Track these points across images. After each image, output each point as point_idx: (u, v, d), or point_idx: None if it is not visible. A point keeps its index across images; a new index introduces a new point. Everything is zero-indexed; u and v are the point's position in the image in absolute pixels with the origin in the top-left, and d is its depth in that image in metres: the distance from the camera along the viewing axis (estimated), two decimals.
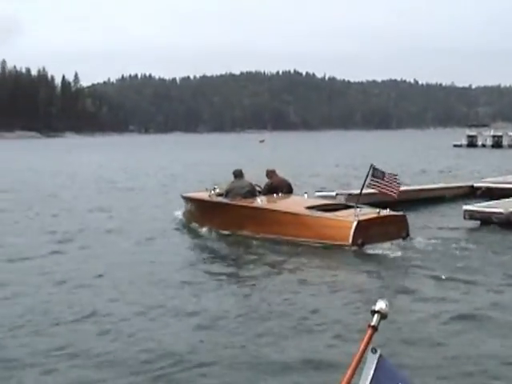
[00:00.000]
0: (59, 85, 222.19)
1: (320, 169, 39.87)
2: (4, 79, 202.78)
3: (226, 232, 15.12)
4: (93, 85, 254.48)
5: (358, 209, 14.04)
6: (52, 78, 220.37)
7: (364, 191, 14.73)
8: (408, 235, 14.15)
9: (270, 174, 16.61)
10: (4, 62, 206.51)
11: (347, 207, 14.71)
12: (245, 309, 9.36)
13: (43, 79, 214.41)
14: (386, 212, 14.10)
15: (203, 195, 16.60)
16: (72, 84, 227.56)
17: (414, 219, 16.33)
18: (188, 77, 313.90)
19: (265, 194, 15.93)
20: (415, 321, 8.63)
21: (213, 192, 16.29)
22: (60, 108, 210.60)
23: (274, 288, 10.53)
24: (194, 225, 16.41)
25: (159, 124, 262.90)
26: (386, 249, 13.18)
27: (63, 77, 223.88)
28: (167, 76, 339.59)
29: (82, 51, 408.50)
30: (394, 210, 14.45)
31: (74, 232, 16.25)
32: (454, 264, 11.87)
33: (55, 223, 18.02)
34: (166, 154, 69.67)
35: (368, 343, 2.63)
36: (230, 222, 15.14)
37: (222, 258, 13.13)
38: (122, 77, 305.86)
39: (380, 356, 2.63)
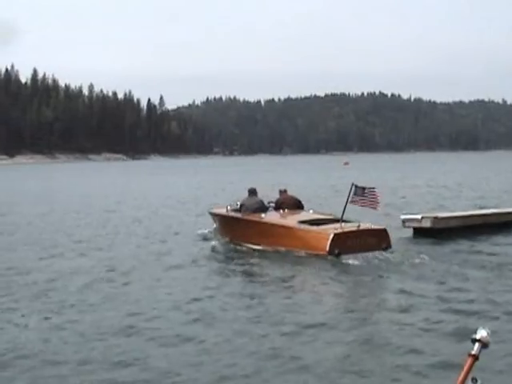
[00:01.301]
0: (145, 108, 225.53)
1: (407, 190, 38.75)
2: (91, 102, 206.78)
3: (238, 243, 17.10)
4: (178, 108, 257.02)
5: (343, 223, 15.79)
6: (138, 101, 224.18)
7: (455, 215, 16.68)
8: (389, 247, 15.51)
9: (281, 192, 18.51)
10: (91, 85, 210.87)
11: (335, 221, 16.18)
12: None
13: (129, 102, 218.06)
14: (365, 225, 15.67)
15: (222, 211, 18.66)
16: (157, 107, 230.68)
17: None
18: (272, 99, 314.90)
19: (275, 210, 17.89)
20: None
21: (229, 207, 18.23)
22: (145, 131, 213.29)
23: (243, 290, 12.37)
24: (219, 237, 18.38)
25: (243, 146, 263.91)
26: (360, 259, 14.57)
27: (149, 100, 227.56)
28: (252, 98, 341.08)
29: (167, 75, 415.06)
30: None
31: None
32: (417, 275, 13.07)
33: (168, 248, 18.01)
34: (250, 175, 68.47)
35: (468, 373, 2.60)
36: (239, 234, 17.33)
37: (215, 267, 14.89)
38: (207, 99, 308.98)
39: None
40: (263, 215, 17.18)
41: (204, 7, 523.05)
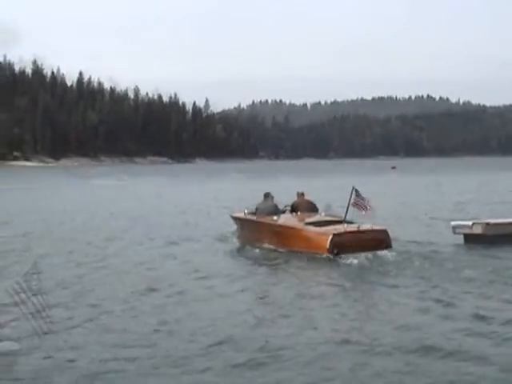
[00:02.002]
0: (190, 111, 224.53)
1: (456, 197, 36.90)
2: (137, 105, 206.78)
3: (253, 244, 17.91)
4: (223, 111, 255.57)
5: (346, 224, 16.47)
6: (183, 104, 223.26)
7: (509, 221, 16.94)
8: (389, 247, 15.99)
9: (298, 195, 19.42)
10: (137, 88, 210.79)
11: (339, 223, 16.79)
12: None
13: (175, 106, 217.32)
14: (366, 226, 16.35)
15: (240, 214, 19.77)
16: (203, 110, 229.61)
17: None
18: (319, 102, 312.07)
19: (290, 212, 18.83)
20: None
21: (247, 211, 19.28)
22: (191, 134, 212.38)
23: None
24: (237, 239, 19.38)
25: (288, 150, 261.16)
26: (359, 258, 15.23)
27: (194, 103, 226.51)
28: (298, 102, 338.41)
29: (213, 79, 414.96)
30: None
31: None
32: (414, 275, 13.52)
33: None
34: (297, 179, 66.33)
35: None
36: (254, 236, 18.37)
37: (223, 269, 15.16)
38: (253, 102, 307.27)
39: None
40: (275, 218, 18.25)
41: (252, 8, 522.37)
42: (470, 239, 18.17)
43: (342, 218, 16.97)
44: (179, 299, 11.76)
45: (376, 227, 16.60)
